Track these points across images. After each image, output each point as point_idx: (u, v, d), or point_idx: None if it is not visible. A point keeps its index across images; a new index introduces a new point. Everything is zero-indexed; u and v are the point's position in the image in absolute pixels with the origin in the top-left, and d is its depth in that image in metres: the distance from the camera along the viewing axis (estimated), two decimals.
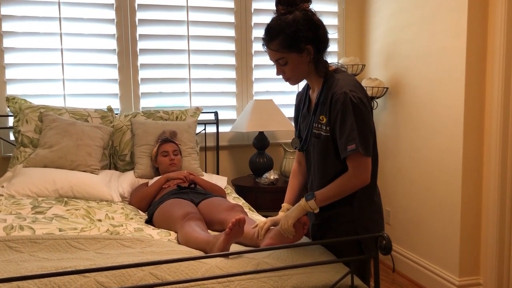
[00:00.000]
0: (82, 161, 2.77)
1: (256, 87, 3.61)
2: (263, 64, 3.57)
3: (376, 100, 3.44)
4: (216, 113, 3.46)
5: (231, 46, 3.51)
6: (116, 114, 3.19)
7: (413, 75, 3.13)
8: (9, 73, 3.10)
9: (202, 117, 3.39)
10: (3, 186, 2.60)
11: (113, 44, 3.27)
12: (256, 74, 3.59)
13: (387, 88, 3.38)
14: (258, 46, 3.51)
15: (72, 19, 3.18)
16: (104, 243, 1.79)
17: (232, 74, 3.54)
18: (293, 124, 1.97)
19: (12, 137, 3.07)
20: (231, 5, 3.48)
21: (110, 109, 3.14)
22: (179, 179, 2.65)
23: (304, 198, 1.67)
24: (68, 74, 3.20)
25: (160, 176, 2.72)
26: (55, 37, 3.16)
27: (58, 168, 2.72)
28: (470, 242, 2.76)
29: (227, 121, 3.54)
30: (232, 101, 3.57)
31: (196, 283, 1.45)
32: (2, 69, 3.07)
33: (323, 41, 1.67)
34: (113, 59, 3.29)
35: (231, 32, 3.50)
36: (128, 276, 1.45)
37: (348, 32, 3.74)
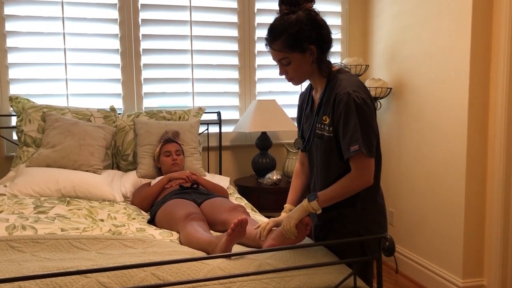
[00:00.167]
0: (84, 161, 2.77)
1: (259, 87, 3.61)
2: (266, 64, 3.56)
3: (379, 100, 3.43)
4: (219, 113, 3.45)
5: (234, 46, 3.51)
6: (119, 114, 3.19)
7: (417, 76, 3.11)
8: (12, 73, 3.10)
9: (204, 117, 3.38)
10: (5, 186, 2.60)
11: (116, 44, 3.27)
12: (259, 74, 3.59)
13: (391, 88, 3.37)
14: (261, 46, 3.51)
15: (75, 19, 3.18)
16: (106, 243, 1.79)
17: (235, 74, 3.53)
18: (296, 125, 1.96)
19: (15, 137, 3.07)
20: (235, 5, 3.48)
21: (113, 109, 3.14)
22: (181, 179, 2.64)
23: (306, 199, 1.67)
24: (71, 74, 3.21)
25: (163, 176, 2.71)
26: (58, 37, 3.16)
27: (61, 168, 2.72)
28: (473, 243, 2.75)
29: (230, 121, 3.53)
30: (235, 101, 3.57)
31: (198, 284, 1.44)
32: (5, 68, 3.08)
33: (326, 41, 1.66)
34: (116, 59, 3.29)
35: (234, 32, 3.50)
36: (130, 277, 1.45)
37: (351, 33, 3.73)
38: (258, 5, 3.52)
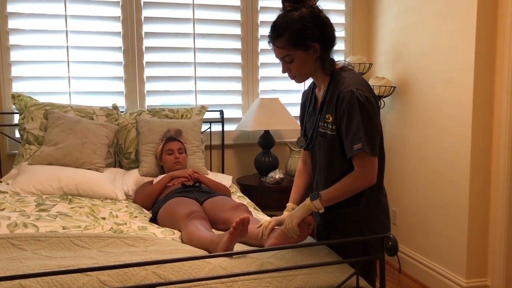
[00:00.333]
0: (87, 159, 2.76)
1: (262, 85, 3.59)
2: (269, 62, 3.55)
3: (383, 99, 3.41)
4: (221, 112, 3.44)
5: (237, 44, 3.50)
6: (121, 112, 3.19)
7: (421, 74, 3.09)
8: (15, 71, 3.10)
9: (207, 115, 3.37)
10: (8, 184, 2.60)
11: (118, 42, 3.27)
12: (262, 72, 3.57)
13: (395, 87, 3.35)
14: (264, 44, 3.49)
15: (77, 16, 3.17)
16: (107, 242, 1.78)
17: (238, 72, 3.52)
18: (299, 123, 1.94)
19: (17, 135, 3.07)
20: (238, 3, 3.46)
21: (115, 107, 3.14)
22: (183, 177, 2.64)
23: (309, 197, 1.65)
24: (73, 72, 3.20)
25: (165, 175, 2.71)
26: (60, 35, 3.16)
27: (63, 165, 2.72)
28: (477, 243, 2.73)
29: (232, 120, 3.52)
30: (238, 99, 3.55)
31: (199, 282, 1.43)
32: (8, 66, 3.08)
33: (330, 39, 1.65)
34: (119, 57, 3.28)
35: (237, 30, 3.48)
36: (131, 275, 1.44)
37: (355, 31, 3.71)
38: (261, 3, 3.50)
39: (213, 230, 2.07)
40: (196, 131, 3.10)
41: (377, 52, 3.64)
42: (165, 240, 1.87)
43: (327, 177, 1.70)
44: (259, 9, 3.50)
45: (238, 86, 3.54)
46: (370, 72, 3.55)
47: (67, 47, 3.17)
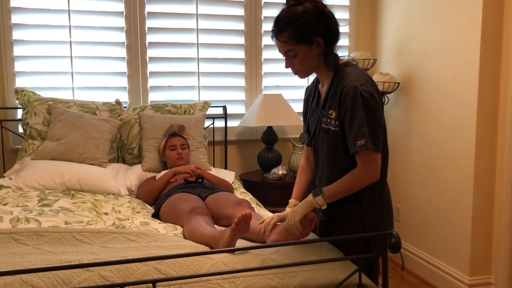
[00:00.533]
0: (89, 154, 2.76)
1: (265, 81, 3.58)
2: (273, 58, 3.53)
3: (387, 95, 3.39)
4: (224, 108, 3.43)
5: (241, 40, 3.48)
6: (124, 107, 3.18)
7: (426, 70, 3.07)
8: (18, 66, 3.10)
9: (210, 111, 3.36)
10: (11, 178, 2.60)
11: (122, 37, 3.26)
12: (265, 68, 3.56)
13: (399, 83, 3.33)
14: (267, 40, 3.48)
15: (81, 11, 3.17)
16: (109, 237, 1.78)
17: (241, 68, 3.51)
18: (302, 119, 1.93)
19: (20, 130, 3.07)
20: None
21: (118, 103, 3.13)
22: (186, 173, 2.63)
23: (311, 194, 1.64)
24: (76, 67, 3.20)
25: (168, 170, 2.70)
26: (64, 30, 3.15)
27: (66, 161, 2.72)
28: (481, 240, 2.71)
29: (235, 116, 3.51)
30: (241, 95, 3.54)
31: (201, 278, 1.43)
32: (11, 61, 3.07)
33: (334, 34, 1.64)
34: (122, 52, 3.27)
35: (240, 26, 3.47)
36: (132, 271, 1.44)
37: (359, 26, 3.69)
38: None
39: (216, 226, 2.07)
40: (199, 126, 3.09)
41: (381, 48, 3.61)
42: (167, 236, 1.87)
43: (330, 173, 1.68)
44: (262, 4, 3.49)
45: (241, 82, 3.53)
46: (374, 68, 3.53)
47: (70, 42, 3.17)
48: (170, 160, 2.81)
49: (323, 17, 1.60)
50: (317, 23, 1.58)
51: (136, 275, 1.43)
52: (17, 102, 3.03)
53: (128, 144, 3.03)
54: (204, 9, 3.38)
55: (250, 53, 3.50)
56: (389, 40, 3.50)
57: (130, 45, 3.27)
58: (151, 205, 2.53)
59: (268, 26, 3.51)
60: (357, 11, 3.66)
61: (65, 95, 3.14)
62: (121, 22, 3.24)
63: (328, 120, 1.66)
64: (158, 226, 2.06)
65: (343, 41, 3.54)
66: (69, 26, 3.15)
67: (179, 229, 2.04)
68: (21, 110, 2.98)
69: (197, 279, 1.42)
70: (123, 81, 3.30)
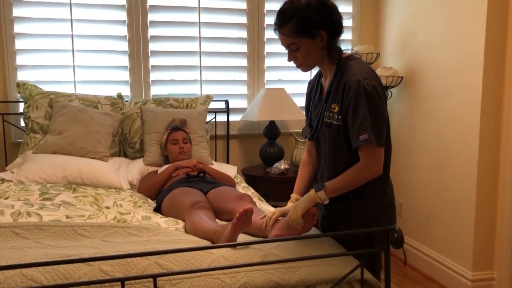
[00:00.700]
0: (91, 148, 2.76)
1: (268, 75, 3.56)
2: (275, 52, 3.51)
3: (390, 89, 3.37)
4: (226, 102, 3.42)
5: (243, 34, 3.46)
6: (126, 101, 3.17)
7: (429, 64, 3.04)
8: (20, 59, 3.09)
9: (212, 105, 3.35)
10: (12, 172, 2.60)
11: (123, 30, 3.24)
12: (268, 62, 3.54)
13: (402, 77, 3.30)
14: (270, 33, 3.45)
15: (82, 5, 3.15)
16: (110, 231, 1.77)
17: (243, 62, 3.49)
18: (304, 113, 1.92)
19: (22, 123, 3.07)
20: None
21: (120, 96, 3.12)
22: (188, 167, 2.62)
23: (313, 188, 1.63)
24: (78, 61, 3.19)
25: (170, 164, 2.70)
26: (65, 23, 3.14)
27: (68, 154, 2.71)
28: (484, 235, 2.70)
29: (237, 110, 3.49)
30: (243, 89, 3.53)
31: (202, 273, 1.42)
32: (13, 55, 3.06)
33: (337, 27, 1.62)
34: (124, 46, 3.26)
35: (243, 19, 3.45)
36: (133, 265, 1.43)
37: (362, 20, 3.66)
38: None
39: (217, 220, 2.06)
40: (201, 121, 3.08)
41: (384, 41, 3.59)
42: (168, 230, 1.86)
43: (332, 168, 1.67)
44: None
45: (243, 76, 3.51)
46: (377, 62, 3.51)
47: (72, 35, 3.15)
48: (172, 154, 2.80)
49: (327, 10, 1.58)
50: (320, 16, 1.56)
51: (137, 270, 1.42)
52: (19, 95, 3.02)
53: (130, 138, 3.03)
54: (206, 2, 3.36)
55: (252, 47, 3.48)
56: (393, 34, 3.47)
57: (132, 39, 3.25)
58: (152, 199, 2.53)
59: (271, 20, 3.49)
60: (361, 5, 3.64)
61: (67, 89, 3.13)
62: (123, 15, 3.23)
63: (331, 114, 1.65)
64: (159, 220, 2.05)
65: (346, 35, 3.49)
66: (71, 19, 3.14)
67: (181, 224, 2.04)
68: (23, 103, 2.98)
69: (198, 274, 1.42)
70: (125, 75, 3.29)
